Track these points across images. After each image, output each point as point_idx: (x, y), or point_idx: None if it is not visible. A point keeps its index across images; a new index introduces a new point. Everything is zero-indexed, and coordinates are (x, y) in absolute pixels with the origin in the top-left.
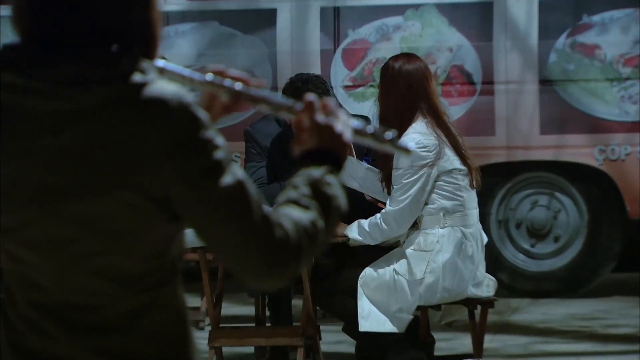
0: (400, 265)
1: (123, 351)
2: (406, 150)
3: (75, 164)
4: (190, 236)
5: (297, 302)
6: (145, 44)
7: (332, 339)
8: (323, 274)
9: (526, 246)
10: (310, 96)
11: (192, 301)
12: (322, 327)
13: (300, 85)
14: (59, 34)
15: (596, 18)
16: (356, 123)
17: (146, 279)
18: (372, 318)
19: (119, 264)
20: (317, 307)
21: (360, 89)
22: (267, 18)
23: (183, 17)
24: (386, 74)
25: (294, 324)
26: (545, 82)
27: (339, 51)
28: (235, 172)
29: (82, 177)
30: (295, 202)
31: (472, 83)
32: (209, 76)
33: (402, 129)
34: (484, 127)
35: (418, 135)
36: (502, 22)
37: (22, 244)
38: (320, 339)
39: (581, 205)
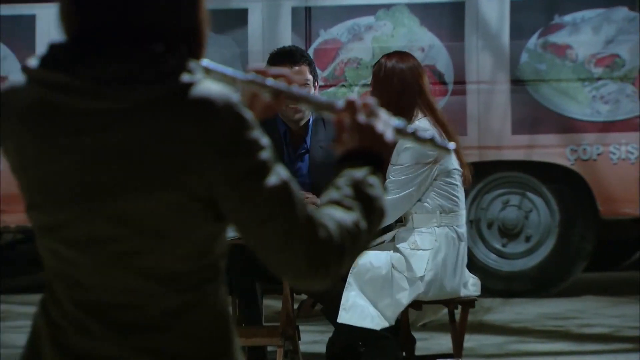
0: (399, 263)
1: (166, 350)
2: (446, 149)
3: (119, 163)
4: None
5: (276, 303)
6: (191, 44)
7: (309, 338)
8: None
9: (498, 246)
10: (352, 96)
11: None
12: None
13: (284, 55)
14: (105, 32)
15: (568, 18)
16: (396, 122)
17: (188, 278)
18: (353, 311)
19: (161, 263)
20: (295, 307)
21: (332, 89)
22: (239, 18)
23: None
24: (379, 73)
25: (273, 324)
26: (517, 82)
27: (310, 51)
28: (280, 173)
29: (126, 177)
30: (338, 203)
31: (443, 83)
32: (251, 75)
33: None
34: (456, 127)
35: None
36: (474, 22)
37: (64, 242)
38: (299, 339)
39: (553, 205)
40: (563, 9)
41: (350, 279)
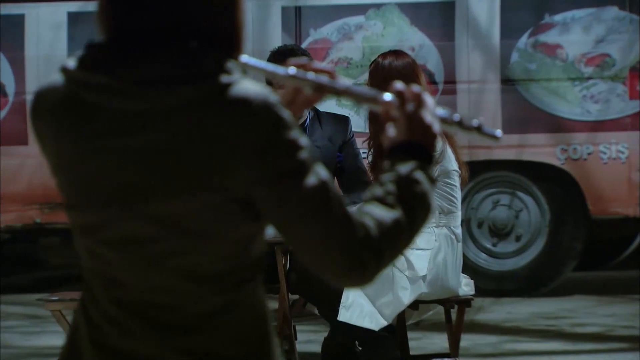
0: (400, 262)
1: (204, 350)
2: (494, 137)
3: (158, 163)
4: None
5: (273, 303)
6: (230, 44)
7: (304, 338)
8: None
9: (488, 245)
10: (399, 84)
11: None
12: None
13: (285, 53)
14: (144, 33)
15: (558, 18)
16: (442, 111)
17: (226, 278)
18: (353, 309)
19: (199, 263)
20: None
21: None
22: None
23: None
24: (376, 72)
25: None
26: (507, 82)
27: None
28: (318, 173)
29: (164, 177)
30: (380, 200)
31: (434, 82)
32: (292, 70)
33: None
34: None
35: None
36: (464, 22)
37: (102, 242)
38: (296, 339)
39: (543, 205)
40: (553, 8)
41: None
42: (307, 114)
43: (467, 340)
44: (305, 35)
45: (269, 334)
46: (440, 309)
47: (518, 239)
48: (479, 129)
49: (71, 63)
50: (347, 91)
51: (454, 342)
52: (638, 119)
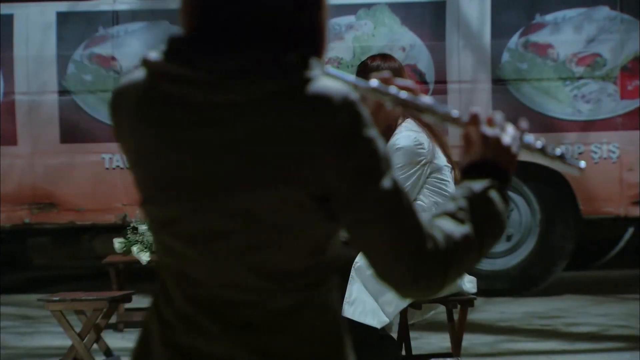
0: None
1: (278, 350)
2: (578, 168)
3: (238, 156)
4: None
5: None
6: (311, 43)
7: None
8: None
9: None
10: (475, 108)
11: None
12: None
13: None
14: (228, 27)
15: (549, 17)
16: (527, 138)
17: (302, 277)
18: (356, 306)
19: (276, 260)
20: None
21: None
22: None
23: (133, 16)
24: (364, 74)
25: None
26: (498, 82)
27: None
28: (394, 176)
29: (244, 170)
30: (451, 215)
31: (424, 82)
32: (374, 82)
33: (388, 129)
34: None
35: (413, 132)
36: (455, 22)
37: (178, 237)
38: None
39: (534, 204)
40: (544, 8)
41: (353, 272)
42: None
43: (464, 340)
44: None
45: (342, 335)
46: (442, 308)
47: (509, 238)
48: (561, 158)
49: (153, 55)
50: (429, 109)
51: (457, 341)
52: (629, 118)
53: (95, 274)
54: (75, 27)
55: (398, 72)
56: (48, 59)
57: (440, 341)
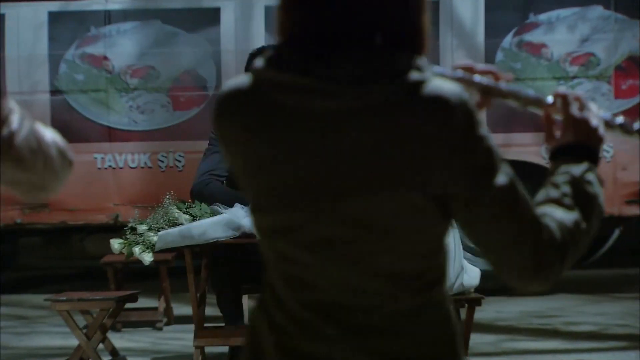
0: None
1: (397, 352)
2: None
3: (358, 162)
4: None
5: None
6: (415, 43)
7: None
8: None
9: (471, 244)
10: (561, 89)
11: (151, 302)
12: None
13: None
14: (333, 32)
15: (543, 17)
16: (605, 114)
17: (420, 278)
18: None
19: (395, 263)
20: None
21: None
22: (211, 16)
23: (125, 15)
24: None
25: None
26: None
27: None
28: (508, 172)
29: (364, 176)
30: (558, 202)
31: None
32: (459, 72)
33: None
34: None
35: None
36: (448, 21)
37: (297, 244)
38: None
39: None
40: (538, 7)
41: None
42: None
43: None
44: None
45: (456, 336)
46: None
47: None
48: None
49: (259, 63)
50: (513, 93)
51: (464, 341)
52: None
53: (86, 273)
54: (67, 27)
55: None
56: (40, 58)
57: None
